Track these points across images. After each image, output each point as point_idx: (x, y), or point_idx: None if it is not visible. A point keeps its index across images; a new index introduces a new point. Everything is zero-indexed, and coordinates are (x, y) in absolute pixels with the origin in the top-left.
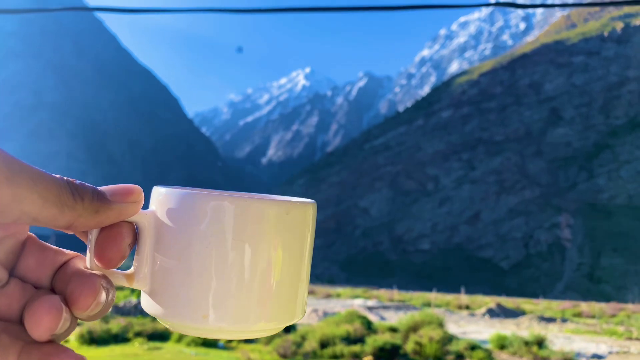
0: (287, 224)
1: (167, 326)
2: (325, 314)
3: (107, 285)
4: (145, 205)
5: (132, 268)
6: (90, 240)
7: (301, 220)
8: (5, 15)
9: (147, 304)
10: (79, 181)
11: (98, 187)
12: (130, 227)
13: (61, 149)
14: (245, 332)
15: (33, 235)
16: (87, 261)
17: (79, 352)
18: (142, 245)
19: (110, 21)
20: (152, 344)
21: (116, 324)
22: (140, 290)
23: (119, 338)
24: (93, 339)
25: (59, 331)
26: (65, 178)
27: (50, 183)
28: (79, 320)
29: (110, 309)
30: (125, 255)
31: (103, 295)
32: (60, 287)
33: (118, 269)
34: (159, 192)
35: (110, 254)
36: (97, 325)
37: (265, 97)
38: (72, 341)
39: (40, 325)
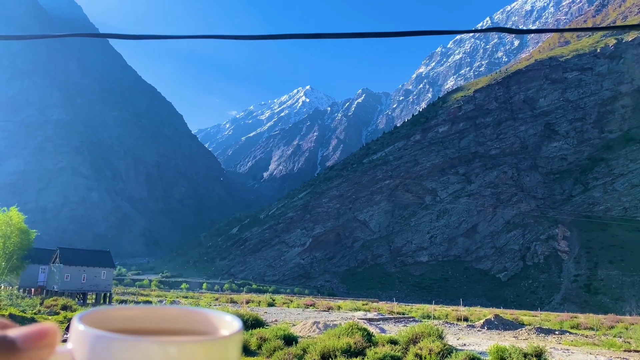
0: None
1: None
2: (327, 327)
3: None
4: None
5: None
6: None
7: (223, 354)
8: (13, 34)
9: None
10: None
11: (8, 335)
12: None
13: (67, 165)
14: None
15: None
16: None
17: None
18: None
19: (115, 40)
20: None
21: None
22: None
23: None
24: None
25: None
26: None
27: None
28: None
29: None
30: None
31: None
32: None
33: None
34: (77, 329)
35: None
36: None
37: (267, 113)
38: None
39: None
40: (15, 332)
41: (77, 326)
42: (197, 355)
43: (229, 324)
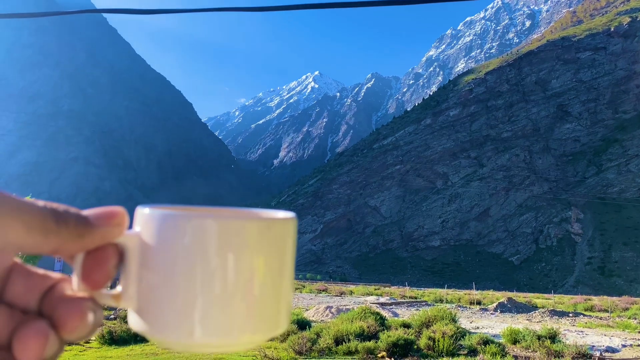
0: (268, 240)
1: (154, 342)
2: (339, 311)
3: (93, 306)
4: (132, 221)
5: (118, 287)
6: (77, 264)
7: (282, 235)
8: (22, 27)
9: (134, 321)
10: (63, 207)
11: (82, 212)
12: (116, 249)
13: (79, 155)
14: (231, 346)
15: (19, 261)
16: (73, 284)
17: (100, 352)
18: (127, 266)
19: (124, 29)
20: None
21: None
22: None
23: (138, 338)
24: (114, 339)
25: (47, 355)
26: (48, 206)
27: (33, 212)
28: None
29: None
30: (111, 276)
31: (90, 317)
32: (48, 310)
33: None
34: (142, 214)
35: (96, 276)
36: (117, 326)
37: (276, 100)
38: (93, 341)
39: (27, 350)
40: (87, 211)
41: (143, 211)
42: (255, 232)
43: (283, 215)
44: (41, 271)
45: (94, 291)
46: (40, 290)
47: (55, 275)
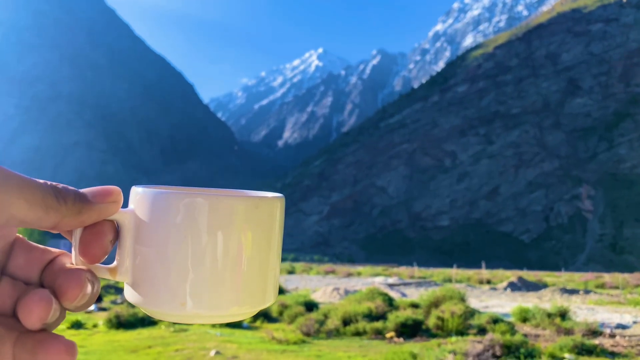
0: (256, 218)
1: (148, 314)
2: (347, 292)
3: (92, 278)
4: (126, 203)
5: (114, 262)
6: (75, 239)
7: (269, 214)
8: (19, 9)
9: (129, 294)
10: (62, 185)
11: (79, 190)
12: (112, 225)
13: (80, 139)
14: (220, 317)
15: (21, 236)
16: (72, 258)
17: (108, 336)
18: (123, 241)
19: (123, 9)
20: (178, 326)
21: None
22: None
23: (145, 322)
24: (120, 323)
25: (50, 320)
26: (49, 183)
27: (35, 188)
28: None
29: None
30: (107, 251)
31: (89, 288)
32: (49, 282)
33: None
34: (136, 192)
35: (93, 250)
36: (124, 310)
37: (279, 79)
38: (100, 325)
39: (32, 314)
40: (85, 189)
41: (137, 190)
42: (243, 210)
43: (271, 195)
44: (42, 246)
45: (92, 265)
46: (42, 263)
47: (55, 250)
